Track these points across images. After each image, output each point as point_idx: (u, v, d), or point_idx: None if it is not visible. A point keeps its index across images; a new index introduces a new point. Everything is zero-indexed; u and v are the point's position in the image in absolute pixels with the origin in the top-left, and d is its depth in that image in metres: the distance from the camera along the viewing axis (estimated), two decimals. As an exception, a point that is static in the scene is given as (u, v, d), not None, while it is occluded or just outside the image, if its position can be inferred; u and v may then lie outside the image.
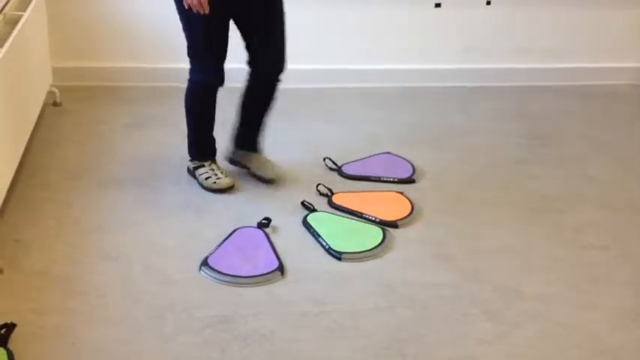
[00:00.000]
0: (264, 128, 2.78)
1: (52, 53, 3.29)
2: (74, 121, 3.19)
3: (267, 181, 2.74)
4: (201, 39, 2.50)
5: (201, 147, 2.73)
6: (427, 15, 3.66)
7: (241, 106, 2.73)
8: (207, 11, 2.36)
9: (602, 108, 3.66)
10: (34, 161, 2.83)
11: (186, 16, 2.46)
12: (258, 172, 2.75)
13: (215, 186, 2.67)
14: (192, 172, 2.75)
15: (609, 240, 2.56)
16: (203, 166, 2.71)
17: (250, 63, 2.64)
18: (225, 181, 2.68)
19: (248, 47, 2.61)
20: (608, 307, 2.23)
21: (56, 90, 3.29)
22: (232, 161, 2.81)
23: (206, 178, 2.68)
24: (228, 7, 2.48)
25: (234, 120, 2.77)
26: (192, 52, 2.55)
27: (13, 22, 2.72)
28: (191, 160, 2.74)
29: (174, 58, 3.54)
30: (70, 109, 3.29)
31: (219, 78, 2.57)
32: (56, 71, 3.32)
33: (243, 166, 2.79)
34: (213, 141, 2.74)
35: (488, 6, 3.68)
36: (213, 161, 2.73)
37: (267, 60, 2.61)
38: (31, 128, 2.89)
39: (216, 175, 2.68)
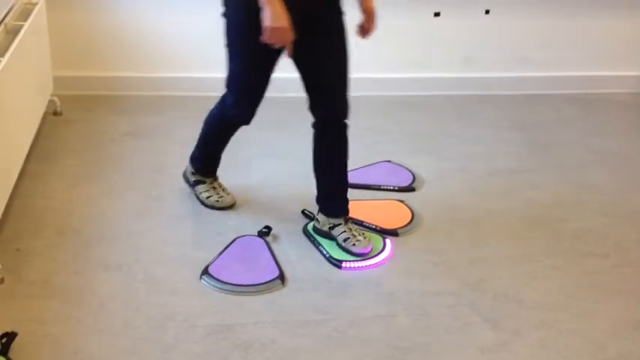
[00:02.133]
0: (347, 191, 2.47)
1: (53, 62, 3.30)
2: (75, 130, 3.19)
3: (358, 255, 2.40)
4: (246, 70, 2.30)
5: (208, 165, 2.67)
6: (426, 24, 3.67)
7: (315, 166, 2.45)
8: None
9: (601, 116, 3.66)
10: (35, 170, 2.83)
11: (237, 49, 2.27)
12: (346, 246, 2.41)
13: (218, 205, 2.63)
14: (189, 182, 2.70)
15: (609, 248, 2.56)
16: (204, 182, 2.67)
17: (313, 108, 2.37)
18: (227, 200, 2.64)
19: (308, 89, 2.35)
20: (609, 316, 2.23)
21: (57, 99, 3.30)
22: (316, 230, 2.49)
23: (207, 197, 2.64)
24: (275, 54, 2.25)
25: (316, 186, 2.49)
26: (228, 83, 2.36)
27: (15, 32, 2.73)
28: (193, 173, 2.69)
29: (174, 68, 3.57)
30: (70, 119, 3.30)
31: (250, 118, 2.41)
32: (57, 80, 3.33)
33: (329, 238, 2.45)
34: (219, 160, 2.66)
35: (487, 15, 3.69)
36: (215, 179, 2.69)
37: (336, 98, 2.32)
38: (31, 137, 2.89)
39: (218, 193, 2.65)
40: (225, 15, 2.28)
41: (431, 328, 2.13)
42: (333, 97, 2.34)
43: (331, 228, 2.45)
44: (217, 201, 2.64)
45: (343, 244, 2.41)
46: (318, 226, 2.50)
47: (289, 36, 2.12)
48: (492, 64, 3.80)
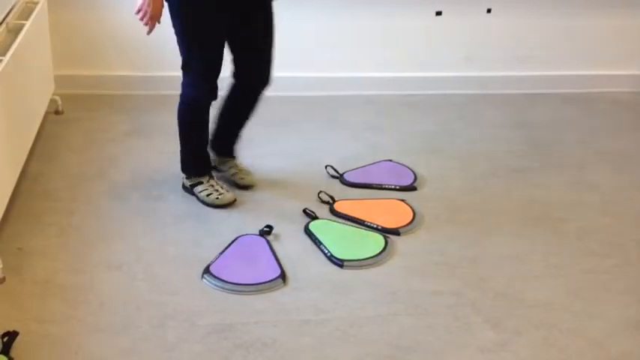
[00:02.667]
0: (242, 135, 2.79)
1: (54, 61, 3.30)
2: (76, 130, 3.20)
3: (243, 187, 2.75)
4: (198, 54, 2.47)
5: (197, 163, 2.68)
6: (428, 23, 3.67)
7: (221, 113, 2.71)
8: (158, 23, 2.38)
9: (603, 115, 3.66)
10: (36, 170, 2.84)
11: (183, 30, 2.45)
12: (234, 178, 2.77)
13: (218, 202, 2.64)
14: (189, 190, 2.70)
15: (610, 248, 2.56)
16: (201, 183, 2.67)
17: (237, 76, 2.61)
18: (228, 196, 2.65)
19: (236, 61, 2.58)
20: (611, 315, 2.23)
21: (58, 98, 3.30)
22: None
23: (207, 195, 2.65)
24: (225, 23, 2.46)
25: (213, 124, 2.74)
26: (186, 65, 2.51)
27: (16, 31, 2.73)
28: (187, 178, 2.69)
29: (176, 67, 3.56)
30: (72, 118, 3.30)
31: (214, 93, 2.54)
32: (58, 79, 3.33)
33: (219, 171, 2.80)
34: (208, 156, 2.71)
35: (488, 14, 3.69)
36: (211, 177, 2.70)
37: (257, 75, 2.60)
38: (33, 136, 2.90)
39: (217, 190, 2.65)
40: (167, 1, 2.44)
41: (432, 327, 2.13)
42: (261, 70, 2.59)
43: (221, 164, 2.80)
44: (217, 198, 2.65)
45: (231, 178, 2.77)
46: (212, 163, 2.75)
47: (155, 20, 2.37)
48: (493, 63, 3.80)
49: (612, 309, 2.25)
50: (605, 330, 2.16)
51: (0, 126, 2.38)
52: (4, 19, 2.77)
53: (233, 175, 2.78)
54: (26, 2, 3.05)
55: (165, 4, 2.42)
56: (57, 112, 3.31)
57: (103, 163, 2.94)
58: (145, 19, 2.36)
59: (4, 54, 2.49)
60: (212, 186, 2.67)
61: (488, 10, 3.69)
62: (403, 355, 2.02)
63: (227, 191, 2.67)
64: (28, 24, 2.80)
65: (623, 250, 2.55)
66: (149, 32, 2.40)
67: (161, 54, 3.52)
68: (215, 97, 2.57)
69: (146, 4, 2.34)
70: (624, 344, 2.11)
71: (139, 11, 2.36)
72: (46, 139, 3.08)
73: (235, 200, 2.68)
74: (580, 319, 2.20)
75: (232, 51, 2.57)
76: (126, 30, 3.48)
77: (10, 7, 2.87)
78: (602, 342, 2.11)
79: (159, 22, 2.40)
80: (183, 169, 2.71)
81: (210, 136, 2.73)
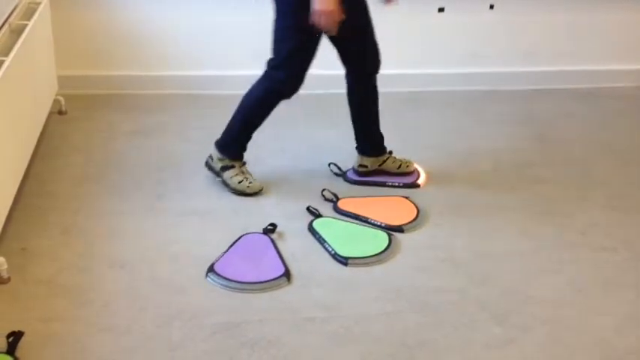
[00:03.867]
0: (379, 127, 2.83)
1: (57, 62, 3.30)
2: (79, 129, 3.20)
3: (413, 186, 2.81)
4: (299, 51, 2.50)
5: (240, 146, 2.71)
6: (431, 19, 3.66)
7: (353, 118, 2.78)
8: (335, 31, 2.38)
9: (608, 110, 3.65)
10: (40, 169, 2.84)
11: (290, 25, 2.46)
12: (400, 170, 2.84)
13: (248, 190, 2.67)
14: (216, 171, 2.72)
15: (617, 242, 2.55)
16: (233, 167, 2.69)
17: (352, 66, 2.67)
18: (257, 185, 2.69)
19: (345, 53, 2.62)
20: (617, 311, 2.21)
21: (61, 98, 3.30)
22: (364, 173, 2.85)
23: (239, 182, 2.67)
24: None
25: (354, 133, 2.83)
26: (282, 62, 2.52)
27: (19, 31, 2.73)
28: (221, 159, 2.70)
29: (177, 66, 3.57)
30: (75, 117, 3.30)
31: (297, 90, 2.59)
32: (61, 79, 3.33)
33: (380, 172, 2.84)
34: (248, 143, 2.74)
35: (491, 10, 3.68)
36: (244, 163, 2.73)
37: (371, 57, 2.66)
38: (37, 136, 2.90)
39: (247, 178, 2.69)
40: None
41: (437, 324, 2.12)
42: (373, 51, 2.66)
43: (381, 164, 2.85)
44: (248, 186, 2.67)
45: (398, 170, 2.85)
46: (366, 170, 2.84)
47: (337, 18, 2.34)
48: (497, 59, 3.79)
49: (619, 305, 2.24)
50: (611, 326, 2.15)
51: (4, 126, 2.38)
52: (6, 20, 2.77)
53: (398, 167, 2.84)
54: (29, 2, 3.05)
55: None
56: (60, 112, 3.31)
57: (106, 162, 2.94)
58: (324, 23, 2.34)
59: (7, 54, 2.49)
60: (243, 173, 2.70)
61: (491, 7, 3.68)
62: (409, 353, 2.02)
63: (255, 180, 2.70)
64: (30, 24, 2.80)
65: (630, 246, 2.54)
66: (337, 32, 2.39)
67: (164, 53, 3.52)
68: (294, 94, 2.60)
69: (319, 3, 2.29)
70: (631, 340, 2.10)
71: (316, 17, 2.33)
72: (49, 139, 3.08)
73: (262, 189, 2.70)
74: (586, 315, 2.19)
75: (338, 42, 2.58)
76: (129, 30, 3.48)
77: (12, 7, 2.88)
78: (609, 338, 2.10)
79: (340, 18, 2.36)
80: (221, 147, 2.71)
81: (358, 144, 2.83)
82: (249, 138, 2.71)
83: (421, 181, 2.88)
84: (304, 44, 2.50)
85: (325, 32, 2.45)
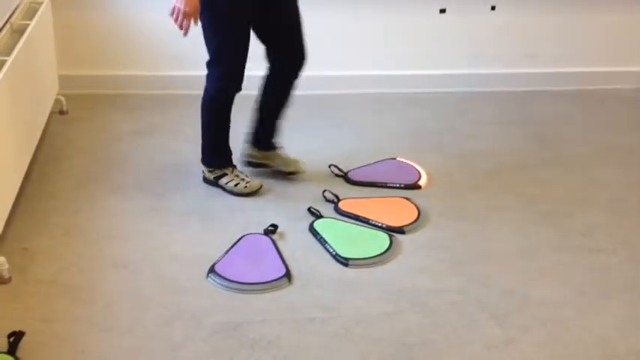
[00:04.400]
0: (281, 126, 2.82)
1: (59, 62, 3.31)
2: (80, 129, 3.20)
3: (290, 174, 2.82)
4: (227, 45, 2.52)
5: (221, 154, 2.72)
6: (432, 21, 3.66)
7: (260, 107, 2.76)
8: (195, 23, 2.38)
9: (608, 112, 3.65)
10: (41, 169, 2.84)
11: (212, 22, 2.48)
12: (281, 168, 2.81)
13: (247, 190, 2.68)
14: (212, 182, 2.74)
15: (617, 244, 2.55)
16: (226, 174, 2.71)
17: (273, 61, 2.66)
18: (255, 183, 2.71)
19: (269, 46, 2.64)
20: (617, 312, 2.22)
21: (63, 98, 3.30)
22: (252, 164, 2.83)
23: (235, 185, 2.69)
24: (249, 12, 2.51)
25: (251, 123, 2.79)
26: (214, 58, 2.55)
27: (20, 31, 2.73)
28: (211, 171, 2.72)
29: (179, 66, 3.57)
30: (76, 117, 3.30)
31: (240, 83, 2.59)
32: (62, 79, 3.33)
33: (265, 166, 2.82)
34: (229, 148, 2.74)
35: (492, 11, 3.68)
36: (234, 167, 2.74)
37: (293, 55, 2.65)
38: (38, 136, 2.90)
39: (243, 179, 2.70)
40: None
41: (437, 325, 2.13)
42: (296, 50, 2.65)
43: (267, 158, 2.82)
44: (245, 187, 2.68)
45: (280, 169, 2.81)
46: (254, 160, 2.82)
47: (190, 19, 2.36)
48: (498, 60, 3.79)
49: (619, 305, 2.25)
50: (611, 327, 2.15)
51: (5, 126, 2.38)
52: (8, 20, 2.78)
53: (281, 165, 2.81)
54: (30, 2, 3.06)
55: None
56: (61, 112, 3.32)
57: (107, 162, 2.94)
58: (179, 20, 2.35)
59: (8, 54, 2.50)
60: (237, 176, 2.71)
61: (493, 8, 3.68)
62: (409, 353, 2.02)
63: (252, 179, 2.71)
64: (32, 24, 2.81)
65: (630, 247, 2.54)
66: (185, 33, 2.39)
67: (165, 53, 3.53)
68: (240, 88, 2.60)
69: (180, 2, 2.34)
70: (631, 341, 2.11)
71: (172, 12, 2.36)
72: (50, 139, 3.08)
73: (262, 186, 2.71)
74: (586, 316, 2.19)
75: (263, 38, 2.62)
76: (130, 30, 3.49)
77: (14, 7, 2.88)
78: (609, 339, 2.11)
79: (195, 23, 2.39)
80: (206, 161, 2.73)
81: (250, 135, 2.80)
82: (224, 143, 2.72)
83: (422, 182, 2.89)
84: (227, 39, 2.50)
85: (249, 19, 2.51)
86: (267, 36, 2.62)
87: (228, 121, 2.68)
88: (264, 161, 2.82)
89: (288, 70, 2.68)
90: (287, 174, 2.81)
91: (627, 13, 3.78)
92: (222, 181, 2.71)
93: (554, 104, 3.70)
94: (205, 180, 2.77)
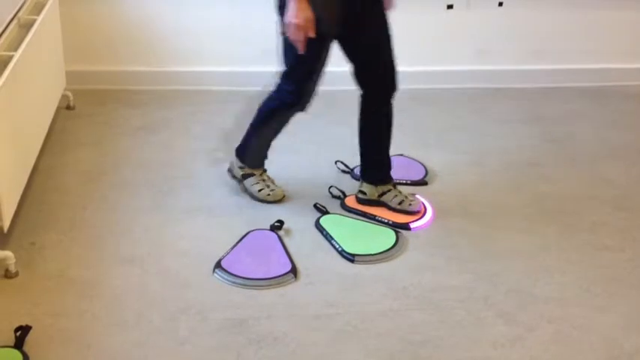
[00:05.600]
0: (389, 157, 2.63)
1: (66, 57, 3.31)
2: (87, 125, 3.21)
3: (411, 213, 2.58)
4: (304, 62, 2.38)
5: (260, 155, 2.69)
6: (439, 17, 3.65)
7: (362, 138, 2.62)
8: (312, 35, 2.25)
9: (615, 109, 3.63)
10: (48, 165, 2.85)
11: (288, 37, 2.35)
12: (401, 207, 2.59)
13: (270, 198, 2.65)
14: (238, 178, 2.71)
15: (624, 242, 2.54)
16: (253, 175, 2.68)
17: (362, 84, 2.53)
18: (278, 192, 2.66)
19: (357, 69, 2.51)
20: (624, 310, 2.21)
21: (70, 94, 3.31)
22: (362, 201, 2.63)
23: (259, 190, 2.65)
24: (335, 29, 2.37)
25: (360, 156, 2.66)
26: (288, 72, 2.45)
27: (28, 26, 2.74)
28: (241, 167, 2.69)
29: (186, 62, 3.57)
30: (83, 113, 3.31)
31: (306, 103, 2.49)
32: (70, 75, 3.34)
33: (383, 205, 2.61)
34: (268, 151, 2.69)
35: (500, 7, 3.67)
36: (264, 171, 2.71)
37: (385, 79, 2.49)
38: (45, 131, 2.91)
39: (269, 186, 2.66)
40: (280, 9, 2.34)
41: (443, 322, 2.13)
42: (382, 78, 2.50)
43: (380, 195, 2.61)
44: (269, 195, 2.65)
45: (399, 207, 2.58)
46: (365, 197, 2.63)
47: (306, 32, 2.24)
48: (505, 56, 3.77)
49: (625, 304, 2.24)
50: (618, 325, 2.15)
51: (12, 122, 2.39)
52: (15, 15, 2.78)
53: (400, 203, 2.59)
54: (38, -2, 3.06)
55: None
56: (68, 108, 3.33)
57: (114, 158, 2.95)
58: (293, 35, 2.24)
59: (15, 49, 2.50)
60: (264, 180, 2.68)
61: (500, 4, 3.67)
62: (415, 350, 2.02)
63: (277, 187, 2.68)
64: (39, 19, 2.81)
65: (637, 245, 2.53)
66: (303, 49, 2.27)
67: (172, 49, 3.53)
68: (305, 108, 2.50)
69: (292, 16, 2.20)
70: (637, 339, 2.10)
71: (288, 28, 2.24)
72: (57, 134, 3.09)
73: (285, 196, 2.67)
74: (593, 314, 2.19)
75: (352, 59, 2.49)
76: (137, 25, 3.49)
77: (21, 2, 2.89)
78: (615, 337, 2.10)
79: (312, 34, 2.25)
80: (241, 156, 2.68)
81: (361, 167, 2.66)
82: (267, 148, 2.68)
83: (429, 178, 2.88)
84: (306, 54, 2.35)
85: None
86: (354, 56, 2.46)
87: (280, 132, 2.62)
88: (379, 198, 2.61)
89: (381, 94, 2.52)
90: (409, 213, 2.58)
91: (636, 9, 3.76)
92: (248, 181, 2.67)
93: (563, 101, 3.68)
94: (230, 173, 2.73)
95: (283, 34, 2.35)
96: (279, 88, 2.52)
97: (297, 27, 2.23)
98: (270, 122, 2.60)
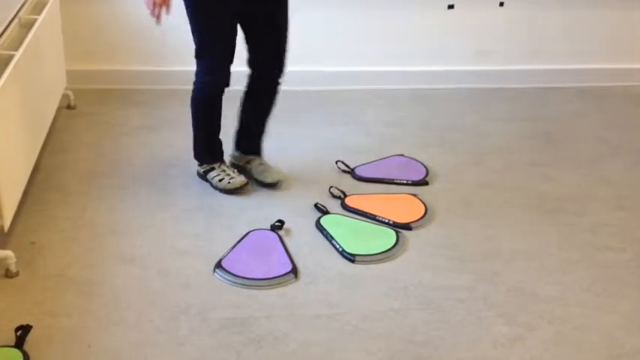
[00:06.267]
0: (265, 132, 2.79)
1: (67, 56, 3.31)
2: (88, 124, 3.21)
3: (268, 186, 2.74)
4: (208, 38, 2.51)
5: (209, 149, 2.73)
6: (440, 17, 3.65)
7: (242, 109, 2.74)
8: (166, 11, 2.39)
9: (616, 109, 3.63)
10: (48, 164, 2.85)
11: (194, 15, 2.48)
12: (260, 177, 2.75)
13: (230, 186, 2.67)
14: (203, 176, 2.75)
15: (625, 242, 2.54)
16: (213, 168, 2.71)
17: (252, 65, 2.64)
18: (238, 180, 2.68)
19: (250, 49, 2.61)
20: (625, 310, 2.21)
21: (70, 93, 3.31)
22: (233, 165, 2.81)
23: (219, 180, 2.69)
24: (234, 6, 2.48)
25: (236, 123, 2.78)
26: (199, 52, 2.55)
27: (29, 26, 2.74)
28: (200, 165, 2.75)
29: (186, 61, 3.55)
30: (84, 112, 3.31)
31: (226, 79, 2.56)
32: (70, 74, 3.34)
33: (245, 170, 2.78)
34: (220, 143, 2.74)
35: (501, 7, 3.67)
36: (223, 162, 2.74)
37: (271, 62, 2.62)
38: (46, 131, 2.91)
39: (228, 175, 2.69)
40: None
41: (444, 322, 2.13)
42: (273, 58, 2.61)
43: (247, 163, 2.78)
44: (229, 182, 2.67)
45: (260, 178, 2.75)
46: (235, 162, 2.80)
47: (162, 7, 2.38)
48: (506, 56, 3.77)
49: (626, 304, 2.24)
50: (618, 325, 2.15)
51: (13, 121, 2.39)
52: (16, 14, 2.78)
53: (259, 173, 2.76)
54: (38, -3, 3.06)
55: None
56: (69, 107, 3.33)
57: (115, 157, 2.95)
58: (152, 9, 2.37)
59: (16, 49, 2.50)
60: (224, 171, 2.70)
61: (501, 4, 3.67)
62: (416, 350, 2.02)
63: (238, 175, 2.70)
64: (40, 19, 2.81)
65: (637, 245, 2.53)
66: (158, 22, 2.40)
67: (173, 48, 3.53)
68: (227, 83, 2.57)
69: None
70: (638, 339, 2.10)
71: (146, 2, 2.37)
72: (58, 133, 3.09)
73: (247, 183, 2.69)
74: (593, 314, 2.19)
75: (247, 39, 2.59)
76: (138, 25, 3.49)
77: (22, 1, 2.89)
78: (616, 337, 2.10)
79: (167, 12, 2.40)
80: (196, 156, 2.75)
81: (235, 136, 2.77)
82: (212, 138, 2.71)
83: (429, 178, 2.88)
84: (209, 31, 2.48)
85: (233, 13, 2.47)
86: (252, 37, 2.57)
87: (217, 116, 2.66)
88: (243, 164, 2.79)
89: (269, 77, 2.65)
90: (265, 185, 2.74)
91: (636, 9, 3.75)
92: (210, 175, 2.71)
93: (563, 101, 3.68)
94: (198, 174, 2.77)
95: (190, 14, 2.48)
96: (196, 73, 2.59)
97: (154, 4, 2.36)
98: (201, 108, 2.65)
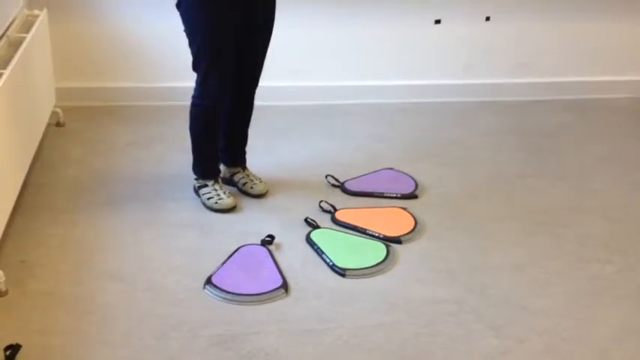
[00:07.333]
0: (246, 143, 2.85)
1: (56, 74, 3.31)
2: (77, 141, 3.20)
3: (255, 196, 2.78)
4: (207, 56, 2.51)
5: (204, 167, 2.74)
6: (427, 31, 3.68)
7: (222, 124, 2.73)
8: None
9: (602, 121, 3.67)
10: (38, 181, 2.84)
11: (194, 32, 2.50)
12: (245, 189, 2.80)
13: (216, 206, 2.67)
14: (196, 191, 2.76)
15: (613, 254, 2.56)
16: (206, 185, 2.72)
17: (239, 85, 2.66)
18: (226, 202, 2.68)
19: (241, 70, 2.62)
20: (613, 322, 2.22)
21: (59, 110, 3.31)
22: (223, 180, 2.82)
23: (208, 198, 2.69)
24: (232, 23, 2.49)
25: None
26: (196, 64, 2.55)
27: (17, 44, 2.74)
28: (196, 179, 2.76)
29: (175, 78, 3.58)
30: (73, 129, 3.31)
31: (217, 97, 2.58)
32: (59, 92, 3.34)
33: (231, 183, 2.83)
34: (216, 161, 2.76)
35: (487, 22, 3.71)
36: (217, 181, 2.74)
37: (249, 77, 2.67)
38: (34, 148, 2.90)
39: (218, 195, 2.69)
40: (178, 6, 2.51)
41: (434, 335, 2.13)
42: (253, 72, 2.68)
43: (232, 175, 2.83)
44: (216, 203, 2.67)
45: (243, 188, 2.80)
46: (221, 175, 2.81)
47: None
48: (492, 70, 3.81)
49: (614, 315, 2.25)
50: (607, 336, 2.16)
51: (2, 138, 2.38)
52: (4, 33, 2.79)
53: (244, 185, 2.80)
54: (27, 15, 3.07)
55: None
56: (58, 124, 3.32)
57: (104, 174, 2.94)
58: None
59: (5, 67, 2.50)
60: (215, 190, 2.70)
61: (487, 18, 3.71)
62: (406, 364, 2.02)
63: (228, 197, 2.70)
64: (29, 37, 2.81)
65: (625, 256, 2.55)
66: None
67: (162, 65, 3.54)
68: (218, 98, 2.59)
69: None
70: (626, 351, 2.11)
71: None
72: (47, 150, 3.08)
73: (235, 207, 2.69)
74: (582, 326, 2.20)
75: (239, 59, 2.60)
76: (126, 42, 3.50)
77: (10, 19, 2.89)
78: (605, 348, 2.11)
79: None
80: (193, 169, 2.76)
81: (219, 150, 2.79)
82: (210, 154, 2.73)
83: (419, 192, 2.89)
84: (206, 50, 2.50)
85: (235, 29, 2.50)
86: (241, 56, 2.58)
87: (214, 134, 2.68)
88: (229, 177, 2.83)
89: (248, 92, 2.71)
90: (252, 196, 2.78)
91: (621, 22, 3.81)
92: (201, 191, 2.72)
93: (549, 114, 3.72)
94: (194, 188, 2.78)
95: (185, 30, 2.52)
96: (194, 90, 2.61)
97: None
98: (199, 129, 2.67)
